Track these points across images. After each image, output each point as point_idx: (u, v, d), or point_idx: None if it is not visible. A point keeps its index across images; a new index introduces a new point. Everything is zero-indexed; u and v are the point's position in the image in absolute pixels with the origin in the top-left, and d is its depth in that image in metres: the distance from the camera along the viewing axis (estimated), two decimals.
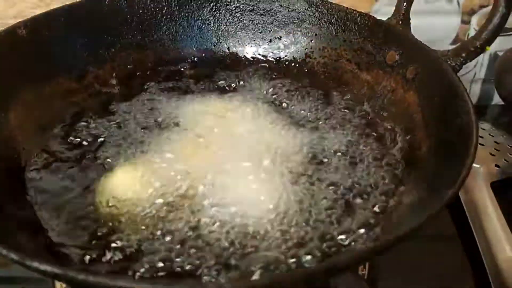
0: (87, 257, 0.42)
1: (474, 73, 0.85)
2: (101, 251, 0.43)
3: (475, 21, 0.80)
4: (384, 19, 0.60)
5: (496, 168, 0.67)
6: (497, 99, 0.86)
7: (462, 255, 0.61)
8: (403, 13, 0.58)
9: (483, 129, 0.73)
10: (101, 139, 0.54)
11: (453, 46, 0.79)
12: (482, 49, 0.50)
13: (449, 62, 0.51)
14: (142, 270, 0.41)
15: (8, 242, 0.36)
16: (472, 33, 0.80)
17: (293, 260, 0.42)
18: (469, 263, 0.60)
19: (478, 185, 0.64)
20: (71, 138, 0.54)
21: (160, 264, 0.42)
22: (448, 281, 0.58)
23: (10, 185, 0.47)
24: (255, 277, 0.40)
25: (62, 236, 0.44)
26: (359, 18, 0.61)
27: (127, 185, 0.48)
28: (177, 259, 0.42)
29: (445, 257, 0.60)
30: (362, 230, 0.44)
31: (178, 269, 0.41)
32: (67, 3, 0.70)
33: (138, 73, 0.63)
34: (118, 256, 0.42)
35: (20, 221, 0.44)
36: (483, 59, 0.83)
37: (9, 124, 0.51)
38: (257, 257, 0.43)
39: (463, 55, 0.51)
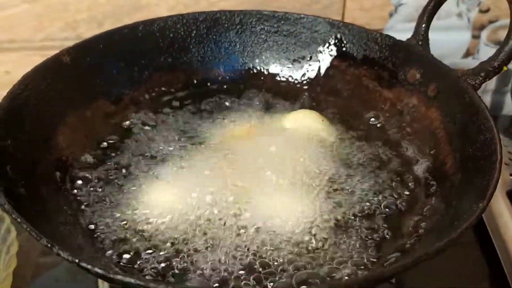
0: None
1: (485, 84, 0.88)
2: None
3: (485, 36, 0.83)
4: (398, 34, 0.64)
5: (511, 177, 0.70)
6: (507, 110, 0.89)
7: (482, 262, 0.63)
8: (422, 34, 0.61)
9: None
10: (137, 157, 0.57)
11: (464, 60, 0.84)
12: (500, 69, 0.54)
13: (469, 81, 0.54)
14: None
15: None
16: (482, 47, 0.84)
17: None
18: (489, 270, 0.63)
19: (494, 195, 0.66)
20: (109, 155, 0.57)
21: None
22: (469, 285, 0.60)
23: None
24: None
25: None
26: (379, 39, 0.64)
27: (163, 202, 0.51)
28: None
29: (465, 264, 0.63)
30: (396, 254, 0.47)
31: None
32: (94, 26, 0.74)
33: (169, 94, 0.66)
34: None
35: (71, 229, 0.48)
36: None
37: (58, 147, 0.54)
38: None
39: (482, 74, 0.54)
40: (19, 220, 0.38)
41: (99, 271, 0.34)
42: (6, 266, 0.55)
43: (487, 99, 0.89)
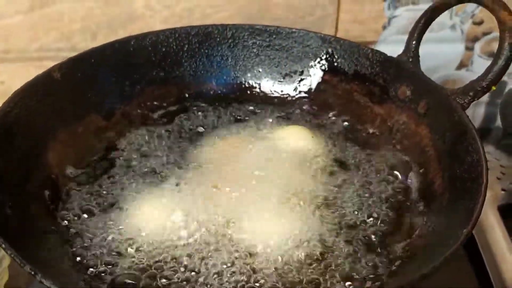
0: None
1: None
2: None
3: (478, 48, 0.83)
4: (392, 46, 0.64)
5: (502, 192, 0.70)
6: (500, 122, 0.89)
7: (471, 276, 0.64)
8: (412, 51, 0.61)
9: (488, 153, 0.75)
10: (128, 174, 0.57)
11: (458, 71, 0.84)
12: (488, 89, 0.54)
13: (458, 100, 0.55)
14: None
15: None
16: (475, 59, 0.84)
17: None
18: (478, 285, 0.63)
19: (485, 209, 0.66)
20: (100, 172, 0.57)
21: None
22: None
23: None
24: None
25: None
26: (370, 54, 0.65)
27: (153, 222, 0.51)
28: None
29: (454, 279, 0.62)
30: (381, 270, 0.48)
31: None
32: (88, 37, 0.75)
33: (161, 108, 0.67)
34: None
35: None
36: None
37: (48, 163, 0.55)
38: None
39: (471, 94, 0.54)
40: (2, 246, 0.39)
41: None
42: None
43: (481, 111, 0.89)
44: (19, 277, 0.60)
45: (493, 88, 0.53)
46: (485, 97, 0.88)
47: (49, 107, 0.57)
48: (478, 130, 0.51)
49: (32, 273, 0.37)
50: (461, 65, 0.84)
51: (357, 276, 0.47)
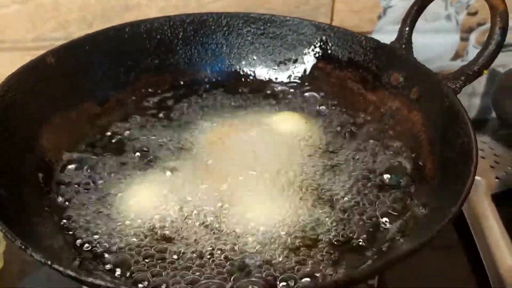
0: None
1: (473, 88, 0.89)
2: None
3: (474, 38, 0.83)
4: (387, 36, 0.64)
5: (496, 180, 0.70)
6: (495, 113, 0.89)
7: (465, 264, 0.64)
8: (405, 38, 0.62)
9: (484, 142, 0.76)
10: (121, 160, 0.57)
11: (453, 62, 0.84)
12: (479, 73, 0.54)
13: (449, 85, 0.55)
14: None
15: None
16: (471, 49, 0.84)
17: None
18: (472, 272, 0.63)
19: (479, 197, 0.67)
20: (93, 158, 0.58)
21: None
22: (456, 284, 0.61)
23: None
24: None
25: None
26: (364, 41, 0.65)
27: (145, 206, 0.52)
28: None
29: (448, 266, 0.63)
30: (373, 249, 0.48)
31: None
32: (84, 26, 0.75)
33: (156, 96, 0.67)
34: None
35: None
36: None
37: (42, 148, 0.55)
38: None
39: (462, 78, 0.55)
40: None
41: (71, 273, 0.35)
42: None
43: (476, 102, 0.90)
44: (14, 264, 0.61)
45: (485, 72, 0.54)
46: (481, 88, 0.89)
47: (43, 92, 0.57)
48: (472, 119, 0.51)
49: (23, 247, 0.37)
50: (456, 56, 0.85)
51: (348, 258, 0.47)
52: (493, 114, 0.89)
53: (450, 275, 0.62)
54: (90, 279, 0.34)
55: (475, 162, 0.45)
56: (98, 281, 0.34)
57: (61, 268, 0.35)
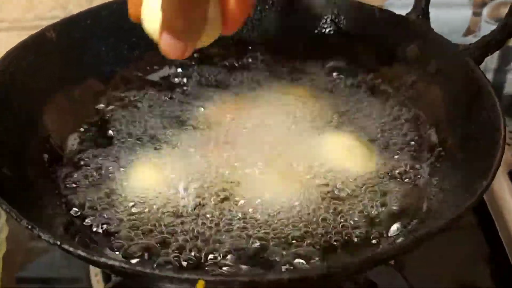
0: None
1: (486, 63, 0.86)
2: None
3: (486, 13, 0.81)
4: (398, 11, 0.62)
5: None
6: (508, 89, 0.87)
7: (483, 243, 0.62)
8: (422, 8, 0.59)
9: None
10: (126, 139, 0.55)
11: (465, 38, 0.82)
12: (503, 43, 0.52)
13: (471, 56, 0.53)
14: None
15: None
16: (483, 25, 0.82)
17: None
18: (490, 251, 0.61)
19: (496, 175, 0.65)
20: (98, 136, 0.56)
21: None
22: (470, 267, 0.60)
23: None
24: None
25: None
26: (378, 14, 0.62)
27: (152, 185, 0.50)
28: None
29: (467, 245, 0.62)
30: (396, 225, 0.46)
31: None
32: (84, 3, 0.72)
33: (162, 73, 0.64)
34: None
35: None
36: None
37: (45, 128, 0.53)
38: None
39: (484, 48, 0.52)
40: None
41: (82, 253, 0.33)
42: None
43: (489, 78, 0.87)
44: (17, 252, 0.60)
45: (509, 41, 0.51)
46: (494, 64, 0.86)
47: (43, 68, 0.54)
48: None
49: (29, 227, 0.35)
50: (468, 32, 0.82)
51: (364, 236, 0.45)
52: (505, 91, 0.88)
53: (469, 255, 0.61)
54: (102, 260, 0.32)
55: (503, 135, 0.43)
56: (111, 262, 0.32)
57: (71, 248, 0.33)
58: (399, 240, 0.43)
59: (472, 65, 0.52)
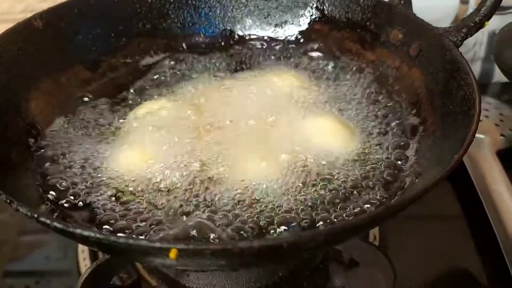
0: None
1: (474, 52, 0.87)
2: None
3: (474, 1, 0.81)
4: None
5: (501, 137, 0.69)
6: (497, 77, 0.87)
7: (471, 224, 0.63)
8: None
9: (488, 103, 0.75)
10: (112, 121, 0.56)
11: None
12: (481, 24, 0.52)
13: (450, 38, 0.53)
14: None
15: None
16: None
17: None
18: (478, 229, 0.62)
19: (483, 155, 0.66)
20: (84, 120, 0.56)
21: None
22: (458, 250, 0.61)
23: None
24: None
25: None
26: (361, 0, 0.63)
27: (136, 163, 0.51)
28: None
29: (452, 225, 0.63)
30: (374, 199, 0.47)
31: None
32: None
33: (149, 60, 0.65)
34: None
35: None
36: (483, 38, 0.85)
37: (30, 111, 0.53)
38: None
39: (464, 30, 0.53)
40: None
41: (58, 225, 0.33)
42: None
43: (477, 67, 0.88)
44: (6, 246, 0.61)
45: (486, 23, 0.52)
46: (482, 53, 0.87)
47: (30, 55, 0.55)
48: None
49: (8, 201, 0.36)
50: (457, 20, 0.82)
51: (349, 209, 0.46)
52: (495, 79, 0.88)
53: (456, 237, 0.62)
54: (78, 230, 0.32)
55: (478, 111, 0.44)
56: (86, 232, 0.32)
57: (48, 221, 0.34)
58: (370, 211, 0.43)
59: (451, 47, 0.52)
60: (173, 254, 0.32)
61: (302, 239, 0.33)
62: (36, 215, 0.34)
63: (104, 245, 0.33)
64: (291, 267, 0.52)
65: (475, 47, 0.86)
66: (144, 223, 0.45)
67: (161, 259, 0.34)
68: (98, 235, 0.32)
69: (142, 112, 0.56)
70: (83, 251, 0.58)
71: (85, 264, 0.56)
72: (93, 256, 0.57)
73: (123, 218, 0.45)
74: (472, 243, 0.61)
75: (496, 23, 0.80)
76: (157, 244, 0.32)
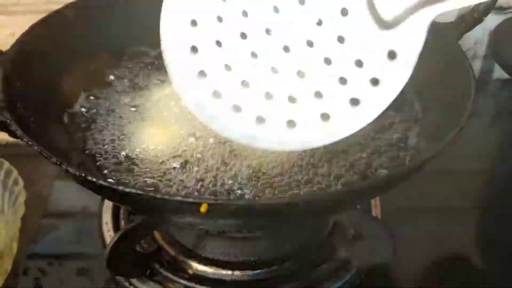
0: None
1: (475, 51, 0.91)
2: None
3: None
4: None
5: None
6: (497, 75, 0.91)
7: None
8: None
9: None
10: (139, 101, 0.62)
11: None
12: (479, 20, 0.56)
13: (451, 32, 0.57)
14: None
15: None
16: None
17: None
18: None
19: None
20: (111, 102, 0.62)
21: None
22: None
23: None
24: None
25: None
26: None
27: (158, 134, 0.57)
28: None
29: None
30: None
31: None
32: None
33: None
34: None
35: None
36: (483, 36, 0.89)
37: (64, 91, 0.59)
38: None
39: (463, 25, 0.57)
40: (30, 142, 0.42)
41: (104, 183, 0.38)
42: (14, 212, 0.59)
43: (477, 65, 0.92)
44: (34, 213, 0.65)
45: (484, 19, 0.56)
46: (482, 51, 0.91)
47: (62, 43, 0.60)
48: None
49: (58, 163, 0.40)
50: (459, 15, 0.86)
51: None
52: (495, 76, 0.92)
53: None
54: (128, 190, 0.37)
55: (472, 98, 0.48)
56: (131, 190, 0.37)
57: (94, 179, 0.38)
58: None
59: (451, 39, 0.56)
60: (203, 208, 0.36)
61: (292, 201, 0.38)
62: (83, 174, 0.39)
63: (144, 201, 0.38)
64: (301, 240, 0.57)
65: (475, 46, 0.90)
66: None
67: (191, 217, 0.39)
68: (139, 191, 0.37)
69: (166, 93, 0.62)
70: (106, 223, 0.62)
71: (109, 234, 0.61)
72: (116, 228, 0.62)
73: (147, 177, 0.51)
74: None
75: (496, 23, 0.84)
76: (190, 199, 0.36)
